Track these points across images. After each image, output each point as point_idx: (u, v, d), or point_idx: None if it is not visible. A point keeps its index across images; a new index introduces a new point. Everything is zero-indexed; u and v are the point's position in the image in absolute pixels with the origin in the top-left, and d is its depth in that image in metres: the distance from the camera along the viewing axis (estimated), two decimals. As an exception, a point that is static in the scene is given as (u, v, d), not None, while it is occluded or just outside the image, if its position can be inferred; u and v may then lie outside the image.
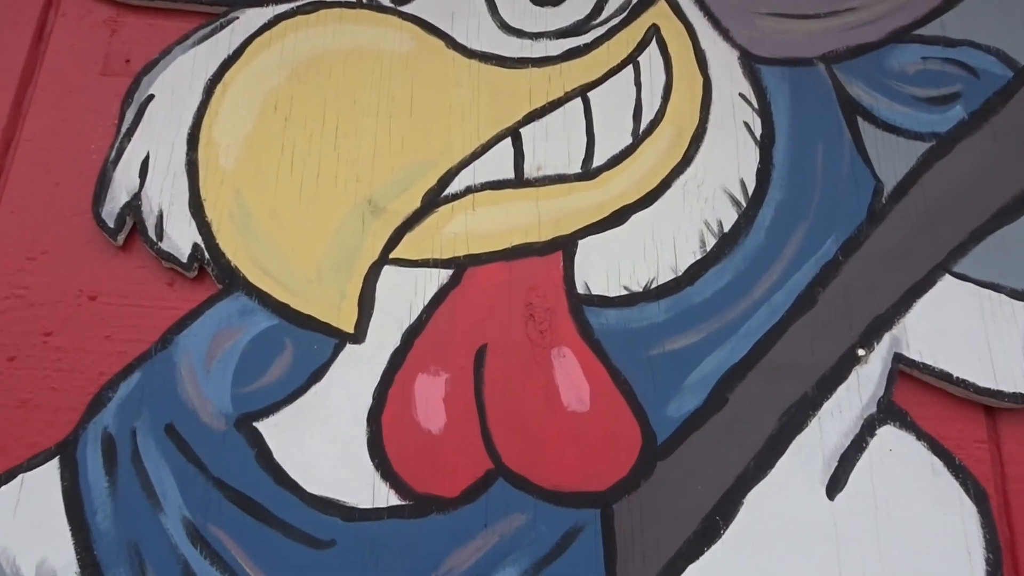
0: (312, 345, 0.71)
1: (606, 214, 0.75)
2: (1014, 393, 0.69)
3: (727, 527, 0.66)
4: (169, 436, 0.68)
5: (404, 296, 0.72)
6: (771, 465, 0.68)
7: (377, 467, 0.67)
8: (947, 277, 0.73)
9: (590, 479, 0.67)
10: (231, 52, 0.80)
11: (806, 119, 0.79)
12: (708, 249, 0.74)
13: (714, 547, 0.66)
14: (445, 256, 0.74)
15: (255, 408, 0.69)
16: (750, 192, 0.76)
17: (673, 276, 0.73)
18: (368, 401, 0.69)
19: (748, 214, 0.75)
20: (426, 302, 0.72)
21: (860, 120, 0.79)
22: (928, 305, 0.72)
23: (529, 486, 0.67)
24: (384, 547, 0.65)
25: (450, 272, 0.73)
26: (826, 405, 0.70)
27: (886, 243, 0.74)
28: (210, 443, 0.68)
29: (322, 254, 0.73)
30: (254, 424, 0.68)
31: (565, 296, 0.73)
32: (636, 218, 0.75)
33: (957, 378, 0.70)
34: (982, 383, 0.70)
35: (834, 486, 0.67)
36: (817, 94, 0.80)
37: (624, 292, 0.73)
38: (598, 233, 0.75)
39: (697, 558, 0.66)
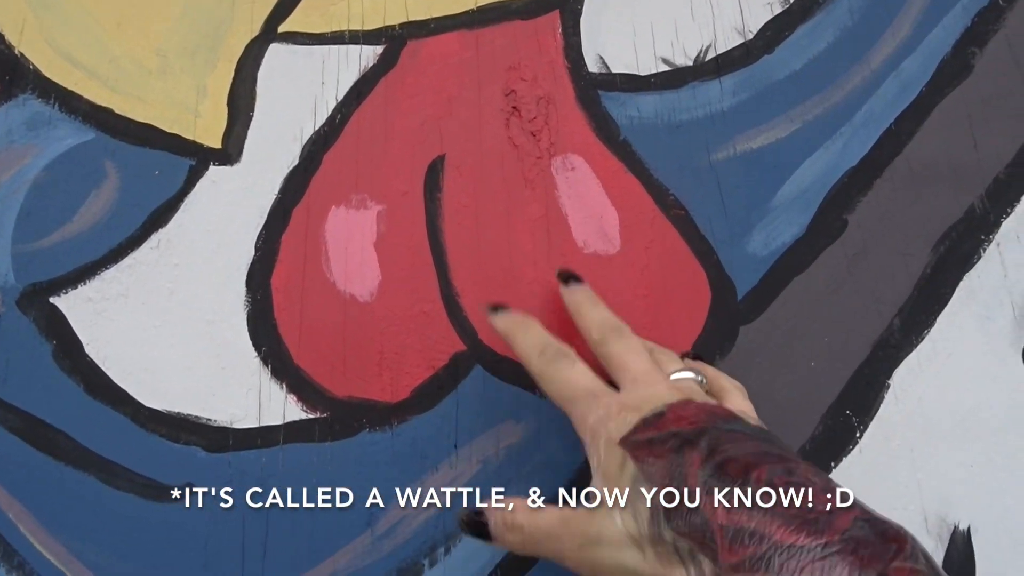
0: (152, 170, 0.42)
1: (626, -47, 0.47)
2: None
3: (866, 426, 0.39)
4: (-99, 327, 0.40)
5: (304, 89, 0.44)
6: (928, 323, 0.41)
7: (265, 360, 0.40)
8: None
9: (629, 360, 0.39)
10: None
11: None
12: (792, -2, 0.46)
13: (848, 460, 0.39)
14: (369, 26, 0.45)
15: (53, 275, 0.41)
16: (849, -87, 0.48)
17: (740, 40, 0.45)
18: (248, 254, 0.41)
19: (849, -55, 0.47)
20: (340, 97, 0.44)
21: None
22: None
23: (527, 376, 0.39)
24: (279, 491, 0.38)
25: (378, 50, 0.45)
26: (1006, 224, 0.42)
27: (1071, -24, 0.47)
28: (-25, 335, 0.40)
29: (167, 30, 0.45)
30: (51, 301, 0.40)
31: (568, 77, 0.45)
32: (674, -43, 0.47)
33: None
34: None
35: (1036, 350, 0.40)
36: None
37: (664, 67, 0.45)
38: (615, -18, 0.47)
39: (822, 480, 0.38)
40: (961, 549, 0.37)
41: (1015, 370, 0.40)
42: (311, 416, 0.39)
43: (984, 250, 0.42)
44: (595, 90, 0.44)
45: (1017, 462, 0.39)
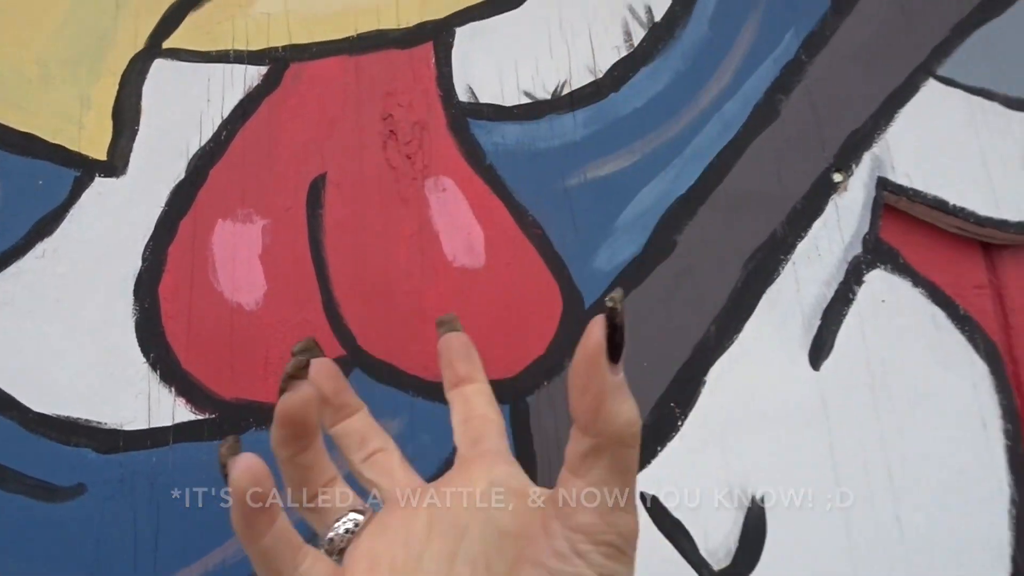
0: (36, 180, 0.43)
1: (493, -8, 0.52)
2: (1020, 223, 0.54)
3: (686, 415, 0.47)
4: None
5: (189, 105, 0.46)
6: (737, 329, 0.49)
7: (154, 366, 0.42)
8: (931, 82, 0.56)
9: (492, 362, 0.45)
10: None
11: None
12: (636, 43, 0.53)
13: (671, 444, 0.46)
14: (254, 47, 0.48)
15: (-68, 282, 0.41)
16: (686, -30, 0.56)
17: (592, 78, 0.52)
18: (135, 264, 0.43)
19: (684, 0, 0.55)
20: (226, 114, 0.46)
21: None
22: (913, 117, 0.55)
23: (401, 378, 0.44)
24: (169, 489, 0.41)
25: (263, 70, 0.48)
26: (800, 246, 0.51)
27: (857, 38, 0.56)
28: None
29: (46, 40, 0.46)
30: (-69, 308, 0.41)
31: (441, 105, 0.49)
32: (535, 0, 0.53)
33: (953, 206, 0.53)
34: (982, 211, 0.54)
35: (819, 351, 0.49)
36: None
37: (526, 100, 0.51)
38: (484, 19, 0.52)
39: (650, 461, 0.46)
40: (756, 513, 0.46)
41: (802, 368, 0.49)
42: (200, 417, 0.42)
43: (783, 268, 0.50)
44: (465, 118, 0.49)
45: (803, 442, 0.48)
